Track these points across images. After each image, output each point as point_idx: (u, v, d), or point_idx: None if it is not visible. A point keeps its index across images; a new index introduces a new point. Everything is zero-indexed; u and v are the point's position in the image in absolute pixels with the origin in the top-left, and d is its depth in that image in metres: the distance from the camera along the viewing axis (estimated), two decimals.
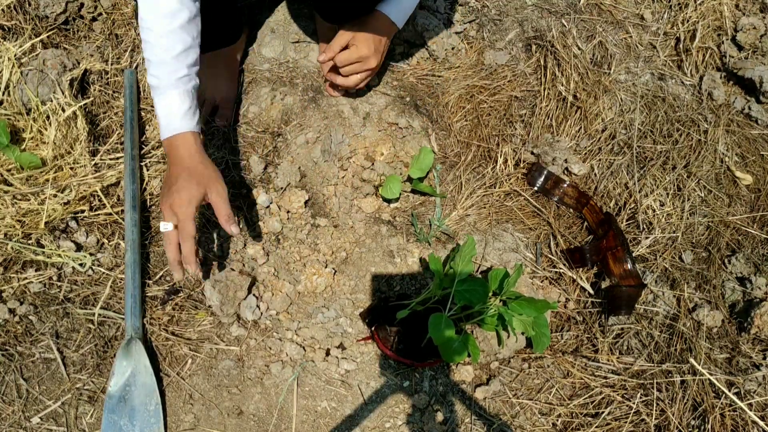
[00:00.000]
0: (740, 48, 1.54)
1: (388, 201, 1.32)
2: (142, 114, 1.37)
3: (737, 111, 1.50)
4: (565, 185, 1.33)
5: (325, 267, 1.22)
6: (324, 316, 1.18)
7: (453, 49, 1.52)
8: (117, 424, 1.04)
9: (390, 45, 1.53)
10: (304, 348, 1.15)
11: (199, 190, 1.02)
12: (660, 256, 1.27)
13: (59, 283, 1.16)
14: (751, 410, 1.08)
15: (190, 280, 1.19)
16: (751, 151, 1.44)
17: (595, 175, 1.37)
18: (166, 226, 1.01)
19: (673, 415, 1.09)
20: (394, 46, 1.50)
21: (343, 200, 1.31)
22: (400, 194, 1.31)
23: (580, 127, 1.42)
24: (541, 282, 1.25)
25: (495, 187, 1.35)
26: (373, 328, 1.15)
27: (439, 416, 1.10)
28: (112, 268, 1.18)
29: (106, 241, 1.21)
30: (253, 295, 1.17)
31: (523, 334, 1.12)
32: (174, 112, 1.02)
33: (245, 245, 1.24)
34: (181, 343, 1.13)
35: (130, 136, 1.29)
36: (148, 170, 1.29)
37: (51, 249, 1.17)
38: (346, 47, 1.26)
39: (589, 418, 1.11)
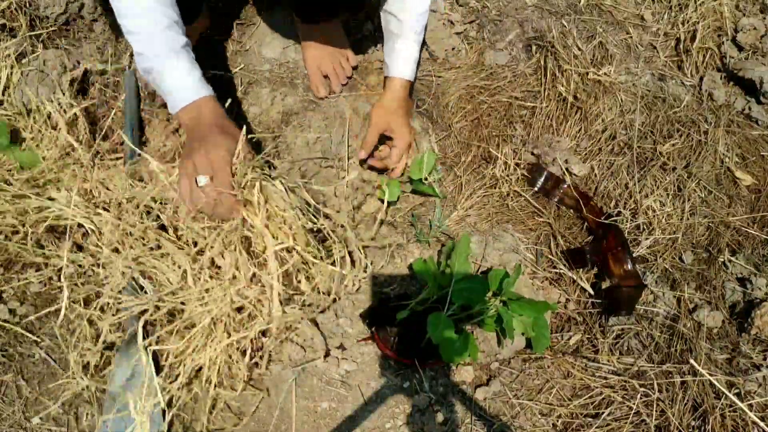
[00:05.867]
0: (740, 48, 1.54)
1: (388, 203, 1.32)
2: (142, 114, 1.37)
3: (737, 111, 1.50)
4: (566, 186, 1.33)
5: None
6: (324, 316, 1.18)
7: (453, 49, 1.52)
8: (117, 425, 1.04)
9: None
10: (304, 348, 1.15)
11: (234, 144, 0.96)
12: (660, 257, 1.27)
13: (59, 284, 1.16)
14: (751, 411, 1.08)
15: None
16: (751, 152, 1.44)
17: (596, 175, 1.37)
18: (202, 180, 0.93)
19: (673, 415, 1.09)
20: None
21: (344, 201, 1.31)
22: (399, 196, 1.31)
23: (581, 128, 1.42)
24: (542, 282, 1.25)
25: (495, 188, 1.35)
26: (373, 329, 1.15)
27: (440, 417, 1.10)
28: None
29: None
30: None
31: (523, 334, 1.12)
32: (186, 81, 0.97)
33: None
34: None
35: (130, 137, 1.29)
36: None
37: (51, 249, 1.17)
38: (381, 139, 1.29)
39: (590, 419, 1.11)
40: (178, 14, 0.99)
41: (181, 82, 0.97)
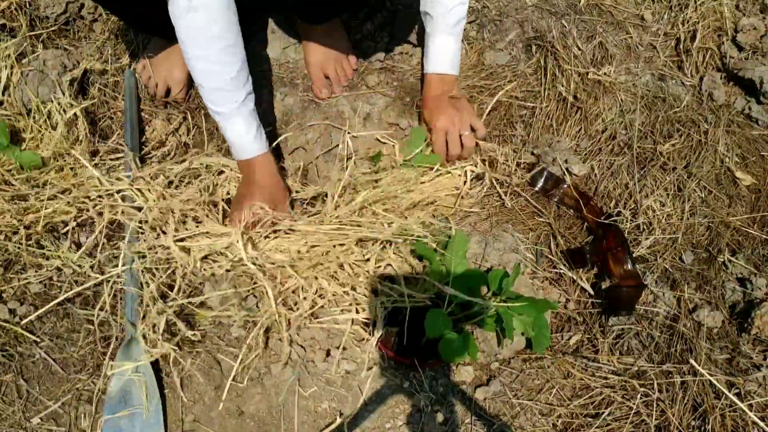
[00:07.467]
0: (740, 48, 1.54)
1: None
2: (142, 114, 1.37)
3: (737, 111, 1.50)
4: (566, 186, 1.33)
5: None
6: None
7: None
8: (117, 425, 1.04)
9: (392, 47, 1.53)
10: (304, 348, 1.15)
11: (275, 207, 1.15)
12: (660, 257, 1.27)
13: (59, 284, 1.16)
14: (751, 411, 1.08)
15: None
16: (751, 152, 1.44)
17: (596, 175, 1.37)
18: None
19: (673, 415, 1.09)
20: (395, 47, 1.50)
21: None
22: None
23: (581, 128, 1.42)
24: (542, 282, 1.25)
25: (495, 188, 1.35)
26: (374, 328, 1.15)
27: (440, 417, 1.10)
28: (112, 268, 1.18)
29: (106, 241, 1.21)
30: (253, 295, 1.17)
31: (523, 334, 1.12)
32: (243, 137, 1.09)
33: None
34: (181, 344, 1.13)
35: (130, 137, 1.29)
36: None
37: (51, 249, 1.17)
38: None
39: (590, 419, 1.11)
40: (243, 60, 1.07)
41: (238, 140, 1.10)
